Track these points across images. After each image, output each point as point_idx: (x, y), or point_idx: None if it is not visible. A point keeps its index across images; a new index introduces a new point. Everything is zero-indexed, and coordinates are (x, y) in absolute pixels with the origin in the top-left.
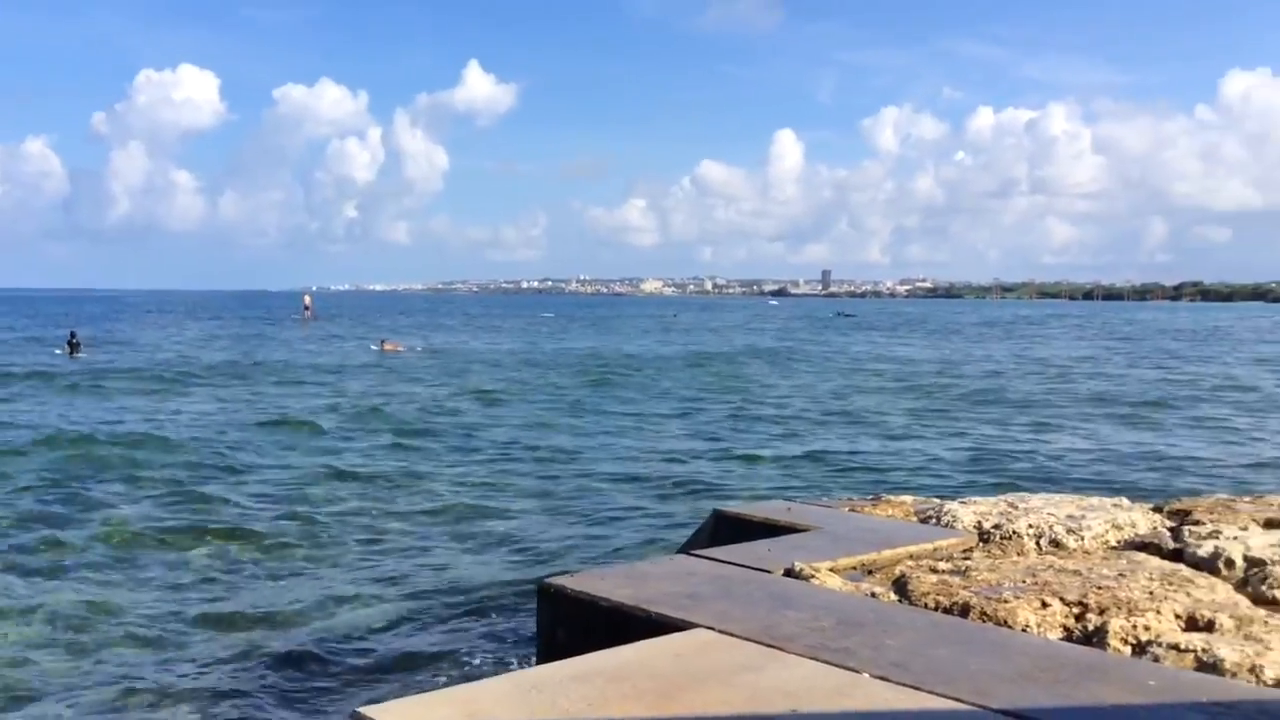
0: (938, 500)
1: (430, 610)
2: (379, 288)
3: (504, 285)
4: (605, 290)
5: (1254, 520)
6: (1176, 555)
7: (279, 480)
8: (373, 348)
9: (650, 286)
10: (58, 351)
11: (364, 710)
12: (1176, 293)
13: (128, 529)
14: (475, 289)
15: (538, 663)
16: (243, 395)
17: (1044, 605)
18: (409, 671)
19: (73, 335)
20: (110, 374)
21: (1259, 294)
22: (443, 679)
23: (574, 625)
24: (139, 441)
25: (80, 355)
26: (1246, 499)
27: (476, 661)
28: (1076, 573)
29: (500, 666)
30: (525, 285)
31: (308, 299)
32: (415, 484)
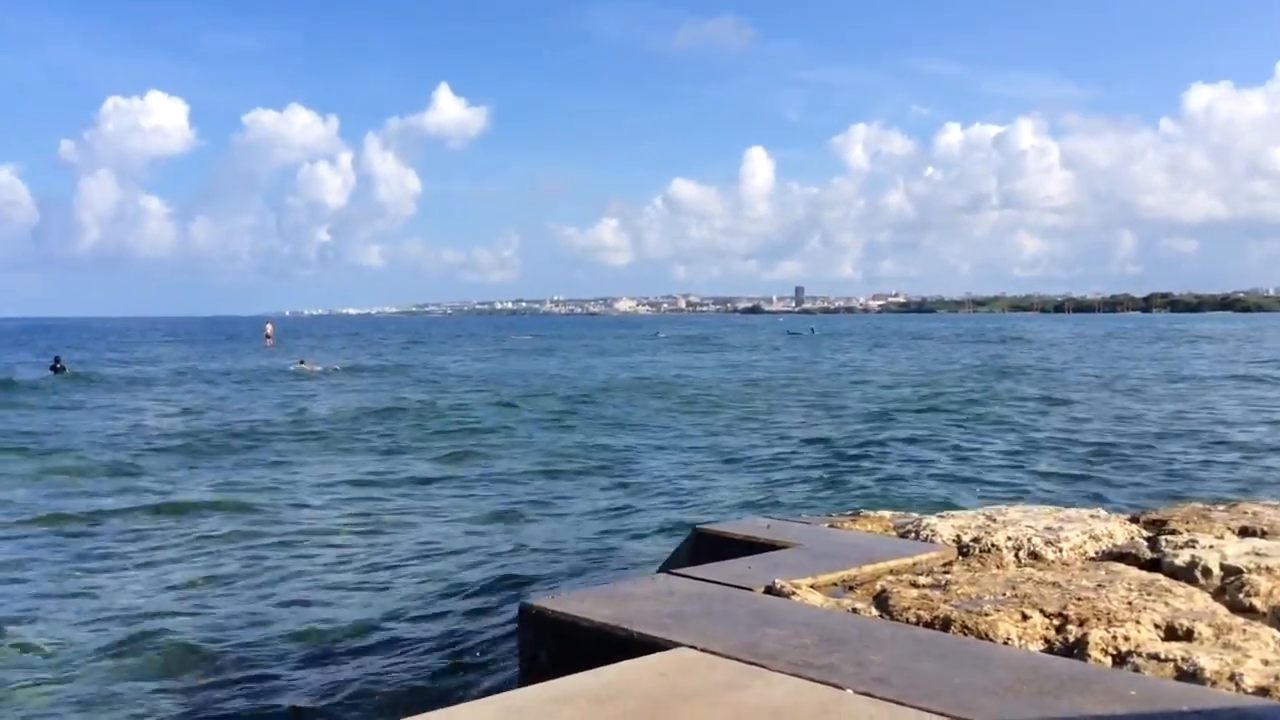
0: (916, 514)
1: (408, 634)
2: (353, 311)
3: (478, 306)
4: (580, 310)
5: (1229, 529)
6: (1154, 565)
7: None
8: (291, 368)
9: (625, 305)
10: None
11: None
12: (1146, 304)
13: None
14: (449, 311)
15: (520, 685)
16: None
17: (1024, 617)
18: (384, 698)
19: (57, 360)
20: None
21: (1227, 304)
22: (423, 704)
23: (556, 647)
24: None
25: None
26: (1221, 507)
27: (457, 686)
28: (1056, 584)
29: (482, 691)
30: (499, 306)
31: (269, 327)
32: (393, 505)
